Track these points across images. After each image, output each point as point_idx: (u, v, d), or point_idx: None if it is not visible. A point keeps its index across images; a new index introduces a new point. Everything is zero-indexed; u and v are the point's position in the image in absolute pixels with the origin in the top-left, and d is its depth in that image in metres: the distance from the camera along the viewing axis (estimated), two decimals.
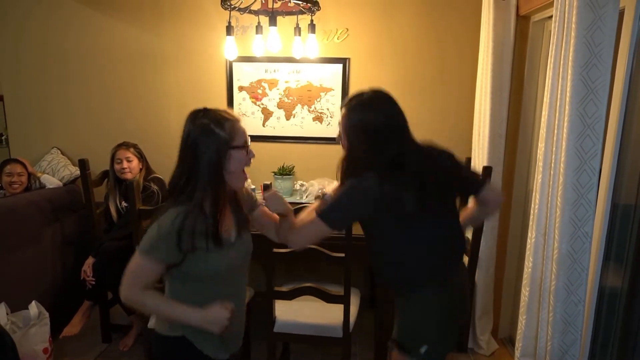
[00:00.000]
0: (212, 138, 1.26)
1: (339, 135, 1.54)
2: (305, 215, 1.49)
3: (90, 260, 2.60)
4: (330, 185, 2.97)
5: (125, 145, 2.71)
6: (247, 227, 1.43)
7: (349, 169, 1.50)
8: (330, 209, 1.40)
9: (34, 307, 2.25)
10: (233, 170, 1.30)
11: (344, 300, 2.01)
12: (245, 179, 1.37)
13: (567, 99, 1.58)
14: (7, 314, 2.17)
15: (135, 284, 1.28)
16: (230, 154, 1.28)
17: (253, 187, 2.35)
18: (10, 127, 3.37)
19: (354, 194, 1.40)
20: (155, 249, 1.25)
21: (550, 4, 1.94)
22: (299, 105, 3.11)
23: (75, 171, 3.17)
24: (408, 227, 1.41)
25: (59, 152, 3.30)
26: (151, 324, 1.39)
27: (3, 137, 3.68)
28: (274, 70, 3.09)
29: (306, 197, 2.88)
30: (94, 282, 2.56)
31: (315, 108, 3.11)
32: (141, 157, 2.75)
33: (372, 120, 1.42)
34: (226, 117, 1.29)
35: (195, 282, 1.31)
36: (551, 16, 1.81)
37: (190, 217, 1.24)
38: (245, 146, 1.32)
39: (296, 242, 1.46)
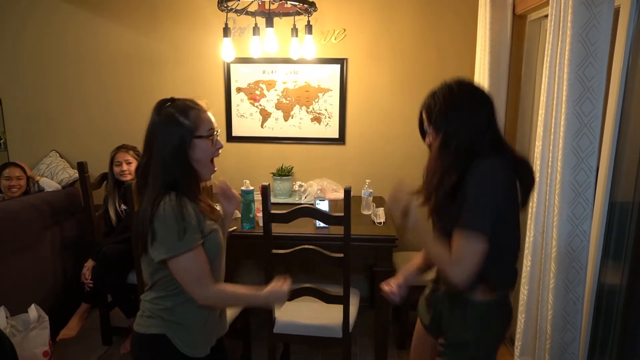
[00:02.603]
0: (176, 127, 1.27)
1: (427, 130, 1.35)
2: (454, 240, 1.23)
3: (89, 264, 2.60)
4: (330, 186, 2.98)
5: (124, 148, 2.71)
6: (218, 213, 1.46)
7: (452, 163, 1.26)
8: (476, 215, 1.20)
9: (33, 311, 2.25)
10: (199, 159, 1.30)
11: (344, 301, 2.02)
12: (213, 170, 1.37)
13: (564, 98, 1.58)
14: (7, 317, 2.17)
15: (204, 282, 1.27)
16: (195, 143, 1.28)
17: (252, 188, 2.35)
18: (8, 130, 3.37)
19: (488, 186, 1.20)
20: (189, 237, 1.23)
21: (546, 3, 1.95)
22: (297, 106, 3.12)
23: (74, 174, 3.18)
24: (514, 219, 1.30)
25: (58, 155, 3.30)
26: (135, 325, 1.37)
27: (1, 141, 3.68)
28: (272, 72, 3.09)
29: (305, 197, 2.88)
30: (92, 285, 2.57)
31: (313, 109, 3.11)
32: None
33: (477, 104, 1.29)
34: (191, 106, 1.30)
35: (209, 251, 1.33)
36: (547, 15, 1.82)
37: (184, 200, 1.25)
38: (210, 136, 1.32)
39: (462, 274, 1.21)
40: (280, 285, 1.38)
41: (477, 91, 1.31)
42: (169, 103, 1.32)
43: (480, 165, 1.21)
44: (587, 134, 1.55)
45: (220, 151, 1.37)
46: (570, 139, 1.57)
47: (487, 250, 1.20)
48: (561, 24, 1.63)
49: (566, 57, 1.56)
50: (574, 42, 1.52)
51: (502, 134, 1.32)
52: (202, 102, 1.35)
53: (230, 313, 2.14)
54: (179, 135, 1.27)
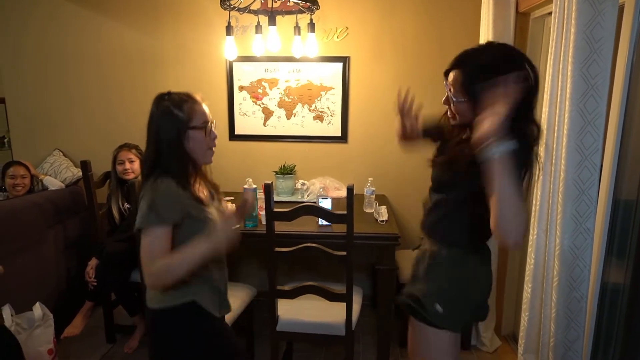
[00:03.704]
0: (171, 119, 1.36)
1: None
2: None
3: (93, 262, 2.61)
4: (333, 184, 2.98)
5: (127, 147, 2.72)
6: (219, 197, 1.53)
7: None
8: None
9: (38, 309, 2.26)
10: (194, 149, 1.38)
11: (347, 299, 2.02)
12: (210, 157, 1.45)
13: (568, 95, 1.58)
14: (12, 315, 2.18)
15: (154, 259, 1.28)
16: (189, 134, 1.37)
17: (254, 186, 2.35)
18: (12, 129, 3.38)
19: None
20: (158, 214, 1.29)
21: (550, 1, 1.94)
22: (300, 105, 3.12)
23: (78, 173, 3.19)
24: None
25: (61, 153, 3.31)
26: (152, 302, 1.39)
27: (5, 140, 3.69)
28: (274, 70, 3.09)
29: (307, 196, 2.88)
30: (95, 284, 2.58)
31: (315, 107, 3.11)
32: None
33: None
34: (185, 99, 1.39)
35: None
36: (551, 12, 1.81)
37: (173, 182, 1.33)
38: (203, 127, 1.39)
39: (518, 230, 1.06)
40: (222, 222, 1.33)
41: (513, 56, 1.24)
42: (166, 96, 1.40)
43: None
44: (591, 132, 1.55)
45: (216, 142, 1.45)
46: (574, 137, 1.57)
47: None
48: (565, 22, 1.62)
49: (570, 54, 1.56)
50: (577, 40, 1.52)
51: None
52: (197, 95, 1.43)
53: (234, 309, 2.14)
54: (174, 126, 1.35)
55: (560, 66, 1.65)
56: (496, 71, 1.18)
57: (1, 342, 1.01)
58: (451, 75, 1.29)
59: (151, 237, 1.29)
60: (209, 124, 1.41)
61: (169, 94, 1.41)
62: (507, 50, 1.26)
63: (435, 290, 1.35)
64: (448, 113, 1.34)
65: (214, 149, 1.45)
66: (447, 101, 1.33)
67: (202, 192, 1.45)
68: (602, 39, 1.48)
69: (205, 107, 1.42)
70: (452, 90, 1.28)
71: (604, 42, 1.48)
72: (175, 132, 1.35)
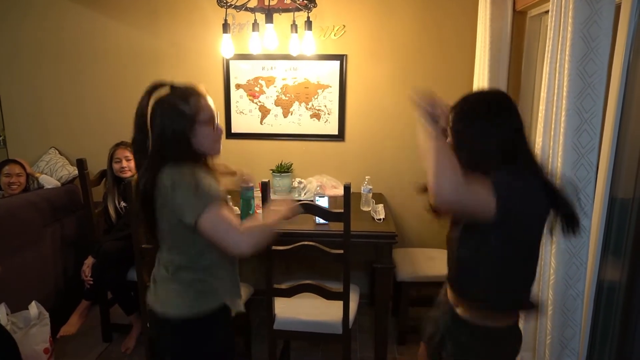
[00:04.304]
0: (178, 115, 1.29)
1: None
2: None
3: (89, 261, 2.60)
4: (330, 182, 2.98)
5: (123, 145, 2.71)
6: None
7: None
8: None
9: (34, 308, 2.25)
10: (201, 144, 1.33)
11: (344, 297, 2.02)
12: (218, 149, 1.41)
13: (564, 94, 1.58)
14: (7, 314, 2.17)
15: (233, 230, 1.25)
16: (196, 130, 1.31)
17: (251, 184, 2.35)
18: (7, 127, 3.36)
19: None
20: (207, 193, 1.26)
21: None
22: (297, 103, 3.11)
23: (74, 171, 3.17)
24: (530, 243, 1.29)
25: (57, 152, 3.30)
26: (177, 312, 1.35)
27: (0, 138, 3.67)
28: (271, 68, 3.09)
29: (304, 194, 2.88)
30: (92, 282, 2.57)
31: (312, 105, 3.10)
32: None
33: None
34: (191, 93, 1.33)
35: None
36: (547, 11, 1.81)
37: (193, 168, 1.29)
38: (210, 122, 1.35)
39: (450, 184, 1.12)
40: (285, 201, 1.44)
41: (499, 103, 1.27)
42: (171, 90, 1.33)
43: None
44: (588, 130, 1.55)
45: (223, 149, 1.42)
46: (571, 135, 1.57)
47: (483, 200, 1.12)
48: (562, 20, 1.62)
49: (567, 53, 1.56)
50: (574, 38, 1.52)
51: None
52: (201, 87, 1.37)
53: None
54: (181, 123, 1.29)
55: (557, 64, 1.65)
56: (474, 115, 1.25)
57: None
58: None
59: (216, 213, 1.24)
60: (215, 118, 1.37)
61: (172, 87, 1.34)
62: (491, 96, 1.30)
63: None
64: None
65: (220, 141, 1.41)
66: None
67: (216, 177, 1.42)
68: (599, 37, 1.48)
69: (210, 100, 1.37)
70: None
71: (600, 41, 1.48)
72: (182, 128, 1.29)
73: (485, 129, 1.22)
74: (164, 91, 1.35)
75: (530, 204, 1.19)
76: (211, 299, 1.36)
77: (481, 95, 1.33)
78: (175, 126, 1.29)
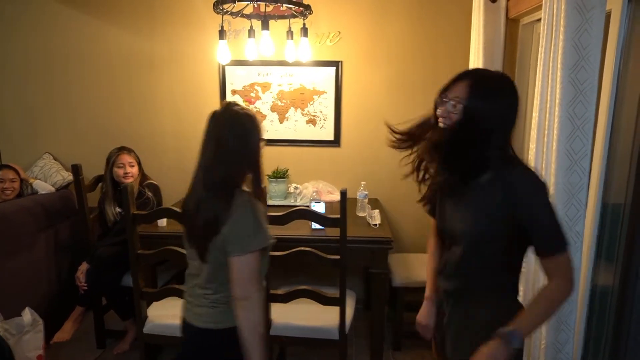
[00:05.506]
0: (255, 133, 1.41)
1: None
2: (553, 267, 1.18)
3: (84, 267, 2.58)
4: (326, 188, 2.99)
5: (126, 150, 2.69)
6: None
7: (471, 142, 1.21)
8: (560, 229, 1.17)
9: (27, 314, 2.24)
10: (261, 162, 1.46)
11: (340, 303, 2.02)
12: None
13: (557, 101, 1.60)
14: (0, 321, 2.15)
15: (259, 278, 1.37)
16: (260, 146, 1.44)
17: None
18: (0, 133, 3.35)
19: (548, 200, 1.18)
20: (265, 235, 1.36)
21: (539, 7, 1.97)
22: (292, 109, 3.13)
23: (68, 176, 3.16)
24: None
25: (51, 157, 3.28)
26: (207, 323, 1.42)
27: None
28: (267, 74, 3.10)
29: (300, 200, 2.88)
30: (86, 288, 2.55)
31: (308, 111, 3.12)
32: (139, 163, 2.75)
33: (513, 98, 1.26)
34: (255, 114, 1.44)
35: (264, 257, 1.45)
36: (539, 19, 1.84)
37: (256, 201, 1.39)
38: (264, 141, 1.49)
39: (571, 289, 1.18)
40: None
41: (515, 89, 1.26)
42: (243, 110, 1.40)
43: (526, 176, 1.19)
44: (580, 137, 1.57)
45: None
46: (563, 141, 1.59)
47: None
48: (554, 28, 1.65)
49: (559, 60, 1.58)
50: (566, 46, 1.54)
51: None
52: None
53: None
54: (257, 141, 1.42)
55: (550, 72, 1.68)
56: (499, 94, 1.22)
57: None
58: (460, 85, 1.22)
59: (256, 260, 1.34)
60: None
61: (242, 107, 1.42)
62: (507, 77, 1.27)
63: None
64: (439, 113, 1.25)
65: None
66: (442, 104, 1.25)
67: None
68: (590, 45, 1.51)
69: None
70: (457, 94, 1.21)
71: (591, 49, 1.51)
72: (257, 145, 1.41)
73: (509, 110, 1.23)
74: (228, 114, 1.40)
75: None
76: (230, 318, 1.40)
77: (498, 74, 1.25)
78: (255, 146, 1.40)
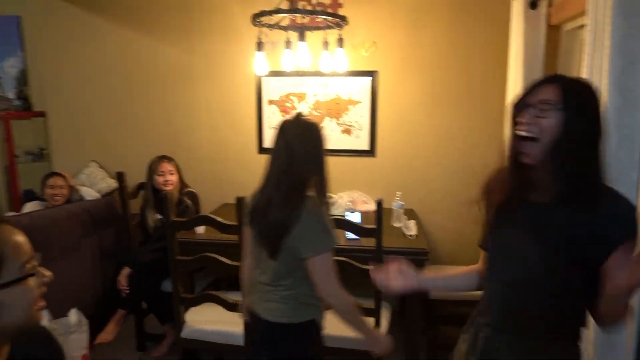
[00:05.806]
0: (322, 140, 1.53)
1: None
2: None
3: (125, 271, 2.67)
4: (361, 198, 2.98)
5: (166, 159, 2.79)
6: None
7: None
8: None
9: (73, 315, 2.33)
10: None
11: (375, 314, 2.00)
12: None
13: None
14: (49, 320, 2.25)
15: (337, 282, 1.48)
16: (325, 153, 1.55)
17: None
18: (53, 142, 3.54)
19: None
20: (333, 237, 1.45)
21: (582, 13, 1.91)
22: (328, 118, 3.15)
23: (112, 184, 3.29)
24: None
25: (97, 165, 3.44)
26: (279, 318, 1.53)
27: (44, 152, 3.86)
28: (302, 84, 3.14)
29: (335, 209, 2.89)
30: (128, 292, 2.64)
31: (343, 121, 3.13)
32: (179, 171, 2.84)
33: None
34: (320, 124, 1.56)
35: None
36: (582, 25, 1.79)
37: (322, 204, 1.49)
38: None
39: None
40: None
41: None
42: (311, 121, 1.53)
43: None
44: (628, 146, 1.51)
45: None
46: (610, 151, 1.53)
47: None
48: (598, 35, 1.60)
49: (605, 68, 1.53)
50: (613, 53, 1.49)
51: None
52: None
53: None
54: (323, 147, 1.54)
55: (595, 80, 1.62)
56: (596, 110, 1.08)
57: (48, 344, 1.05)
58: (548, 89, 1.09)
59: (330, 260, 1.44)
60: None
61: (309, 118, 1.53)
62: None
63: None
64: (520, 119, 1.10)
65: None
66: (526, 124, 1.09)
67: None
68: (638, 51, 1.45)
69: None
70: (545, 103, 1.07)
71: (639, 55, 1.45)
72: (324, 154, 1.54)
73: (600, 121, 1.07)
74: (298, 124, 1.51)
75: None
76: (309, 311, 1.54)
77: (588, 84, 1.12)
78: (321, 161, 1.51)
